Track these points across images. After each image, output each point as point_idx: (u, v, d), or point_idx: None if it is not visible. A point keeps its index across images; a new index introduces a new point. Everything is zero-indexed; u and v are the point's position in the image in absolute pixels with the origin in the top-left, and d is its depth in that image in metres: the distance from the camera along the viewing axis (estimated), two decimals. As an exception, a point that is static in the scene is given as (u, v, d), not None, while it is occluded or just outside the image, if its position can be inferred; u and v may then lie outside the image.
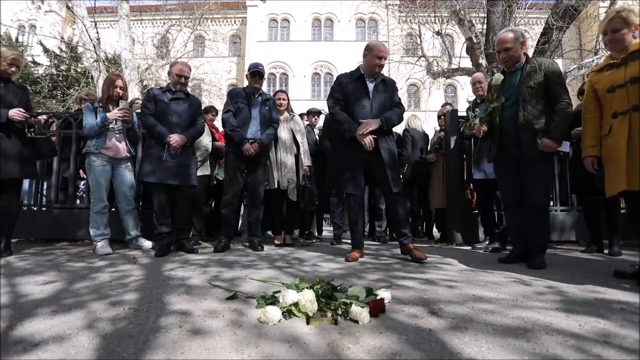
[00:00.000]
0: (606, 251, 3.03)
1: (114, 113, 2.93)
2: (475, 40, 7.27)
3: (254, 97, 3.24)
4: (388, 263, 2.41)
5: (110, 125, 2.97)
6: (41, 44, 14.79)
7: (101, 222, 2.95)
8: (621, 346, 0.98)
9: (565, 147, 2.35)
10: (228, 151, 3.21)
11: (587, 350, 0.96)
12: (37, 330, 1.08)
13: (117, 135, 3.02)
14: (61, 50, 14.27)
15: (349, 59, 25.69)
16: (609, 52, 2.03)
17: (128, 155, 3.08)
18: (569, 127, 2.46)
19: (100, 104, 3.01)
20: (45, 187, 3.87)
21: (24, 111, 2.59)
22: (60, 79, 11.17)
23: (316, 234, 4.87)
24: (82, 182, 3.85)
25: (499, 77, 2.39)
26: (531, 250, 2.27)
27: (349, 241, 3.86)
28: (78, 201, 3.84)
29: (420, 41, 10.43)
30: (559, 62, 9.39)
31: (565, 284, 1.73)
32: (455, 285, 1.69)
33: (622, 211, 3.51)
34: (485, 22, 7.15)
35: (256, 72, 3.20)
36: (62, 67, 12.44)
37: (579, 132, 2.59)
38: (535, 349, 0.96)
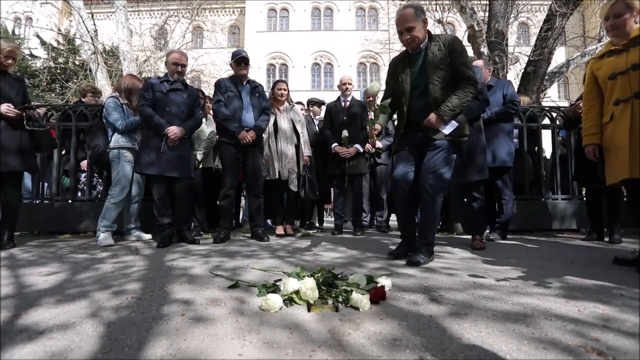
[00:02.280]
0: (607, 239, 3.04)
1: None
2: (477, 28, 7.17)
3: (242, 84, 3.20)
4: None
5: None
6: (38, 36, 14.65)
7: (114, 214, 3.02)
8: (619, 330, 0.99)
9: (450, 128, 2.00)
10: (222, 142, 3.16)
11: (585, 334, 0.96)
12: (42, 319, 1.09)
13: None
14: (58, 42, 14.15)
15: (349, 49, 25.51)
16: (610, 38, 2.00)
17: None
18: (468, 112, 2.26)
19: (127, 102, 3.17)
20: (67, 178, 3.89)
21: (13, 107, 2.55)
22: (58, 71, 11.11)
23: (317, 224, 4.89)
24: (84, 175, 3.86)
25: (374, 85, 2.27)
26: (417, 242, 2.06)
27: (351, 231, 3.89)
28: (79, 194, 3.85)
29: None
30: (562, 49, 9.26)
31: (566, 271, 1.74)
32: (456, 273, 1.70)
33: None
34: (487, 9, 7.04)
35: (241, 59, 3.14)
36: (60, 60, 12.35)
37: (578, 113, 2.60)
38: (535, 334, 0.97)
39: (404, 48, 2.14)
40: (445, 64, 2.01)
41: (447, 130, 2.01)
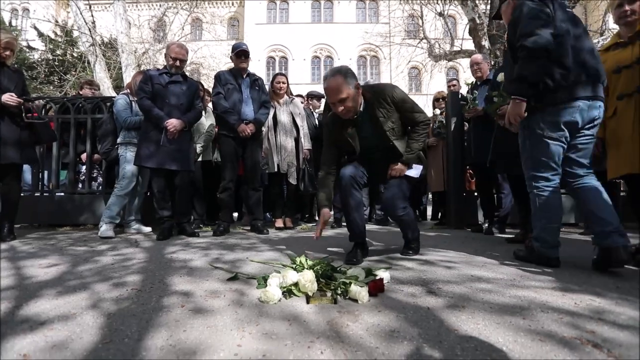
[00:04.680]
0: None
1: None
2: (478, 21, 7.11)
3: (242, 77, 3.18)
4: (388, 245, 2.43)
5: None
6: (35, 27, 14.51)
7: (120, 206, 3.04)
8: (615, 322, 1.00)
9: (417, 172, 1.99)
10: (221, 134, 3.15)
11: (581, 326, 0.97)
12: (43, 310, 1.10)
13: None
14: (56, 34, 14.02)
15: (349, 42, 25.32)
16: (618, 29, 1.97)
17: None
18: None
19: (134, 98, 3.16)
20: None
21: (16, 96, 2.56)
22: (56, 63, 11.03)
23: (317, 217, 4.90)
24: (84, 167, 3.85)
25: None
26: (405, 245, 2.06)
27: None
28: (80, 185, 3.85)
29: (422, 22, 10.21)
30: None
31: (563, 265, 1.75)
32: (454, 266, 1.71)
33: (621, 194, 3.52)
34: (489, 2, 6.97)
35: (241, 52, 3.13)
36: (58, 52, 12.26)
37: None
38: (531, 326, 0.98)
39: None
40: (395, 118, 1.91)
41: (414, 173, 1.98)
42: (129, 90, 3.31)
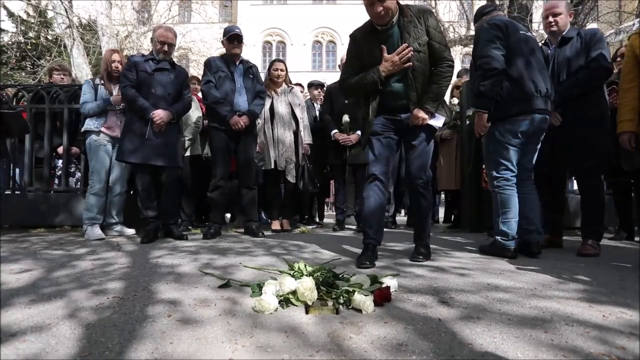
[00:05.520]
0: (637, 238, 3.05)
1: (117, 99, 3.00)
2: (498, 2, 7.08)
3: (234, 65, 3.18)
4: (395, 250, 2.43)
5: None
6: (4, 7, 14.46)
7: (96, 205, 3.04)
8: (648, 337, 1.00)
9: (439, 121, 2.03)
10: (212, 127, 3.15)
11: (610, 342, 0.97)
12: (14, 320, 1.11)
13: (118, 115, 3.13)
14: (28, 14, 13.99)
15: (354, 25, 25.12)
16: None
17: None
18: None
19: (102, 81, 3.16)
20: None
21: None
22: (29, 47, 11.01)
23: (317, 219, 4.91)
24: (59, 161, 3.86)
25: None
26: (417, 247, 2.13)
27: (353, 227, 3.91)
28: (57, 182, 3.86)
29: (435, 4, 10.17)
30: (594, 26, 9.15)
31: (591, 273, 1.75)
32: (468, 274, 1.72)
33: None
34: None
35: (234, 36, 3.12)
36: (31, 34, 12.25)
37: (614, 100, 2.55)
38: (554, 340, 0.98)
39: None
40: (423, 42, 1.92)
41: (438, 123, 2.03)
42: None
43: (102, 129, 3.07)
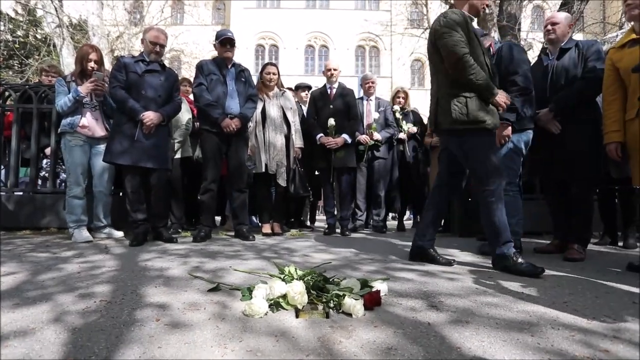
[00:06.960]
0: (621, 243, 3.11)
1: (86, 86, 2.95)
2: (487, 11, 7.20)
3: (227, 68, 3.18)
4: (385, 254, 2.44)
5: (85, 100, 3.01)
6: (-7, 5, 14.24)
7: (78, 208, 2.98)
8: (631, 341, 1.02)
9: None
10: (203, 130, 3.13)
11: (594, 345, 0.99)
12: (-2, 323, 1.08)
13: (93, 112, 3.05)
14: (16, 12, 13.78)
15: (347, 30, 25.44)
16: (631, 24, 2.03)
17: (106, 134, 3.06)
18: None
19: (73, 78, 3.06)
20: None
21: None
22: (17, 46, 10.84)
23: (308, 223, 4.91)
24: (45, 162, 3.79)
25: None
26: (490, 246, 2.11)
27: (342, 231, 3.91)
28: (42, 183, 3.78)
29: (427, 11, 10.31)
30: (579, 36, 9.38)
31: (576, 277, 1.78)
32: (458, 278, 1.73)
33: None
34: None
35: (226, 40, 3.12)
36: (19, 33, 12.05)
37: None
38: (540, 344, 0.99)
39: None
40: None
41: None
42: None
43: (77, 128, 2.98)
